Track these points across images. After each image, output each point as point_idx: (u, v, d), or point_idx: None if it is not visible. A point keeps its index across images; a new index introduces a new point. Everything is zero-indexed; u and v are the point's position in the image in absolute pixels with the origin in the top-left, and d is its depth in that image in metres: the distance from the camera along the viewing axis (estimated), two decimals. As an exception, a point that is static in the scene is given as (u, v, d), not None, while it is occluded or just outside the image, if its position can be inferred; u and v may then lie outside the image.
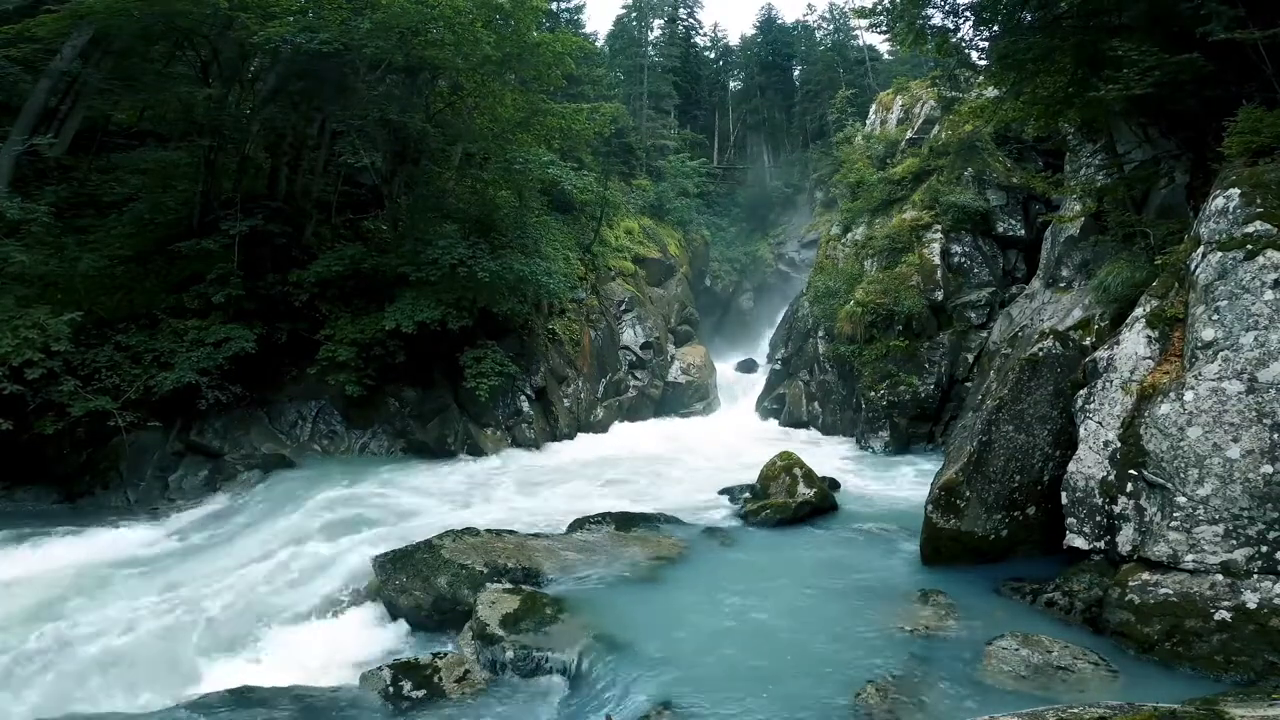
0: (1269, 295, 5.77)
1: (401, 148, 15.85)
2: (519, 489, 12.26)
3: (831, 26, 46.46)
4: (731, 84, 50.80)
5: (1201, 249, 6.45)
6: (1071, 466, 6.68)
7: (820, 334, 19.41)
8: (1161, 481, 5.93)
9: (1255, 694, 4.51)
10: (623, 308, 23.16)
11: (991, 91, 13.99)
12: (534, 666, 5.75)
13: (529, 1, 15.19)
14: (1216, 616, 5.31)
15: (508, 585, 6.93)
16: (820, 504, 9.97)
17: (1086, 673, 5.23)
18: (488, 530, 8.35)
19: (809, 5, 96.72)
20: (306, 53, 13.08)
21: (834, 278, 18.97)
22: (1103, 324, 9.38)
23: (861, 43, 43.44)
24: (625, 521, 9.20)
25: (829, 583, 7.23)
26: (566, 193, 18.64)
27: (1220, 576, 5.49)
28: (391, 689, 5.59)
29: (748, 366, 27.50)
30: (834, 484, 11.29)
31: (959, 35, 11.68)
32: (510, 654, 5.83)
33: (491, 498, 11.56)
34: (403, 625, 7.12)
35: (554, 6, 32.75)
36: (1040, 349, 7.91)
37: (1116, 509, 6.21)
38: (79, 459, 11.89)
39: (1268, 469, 5.46)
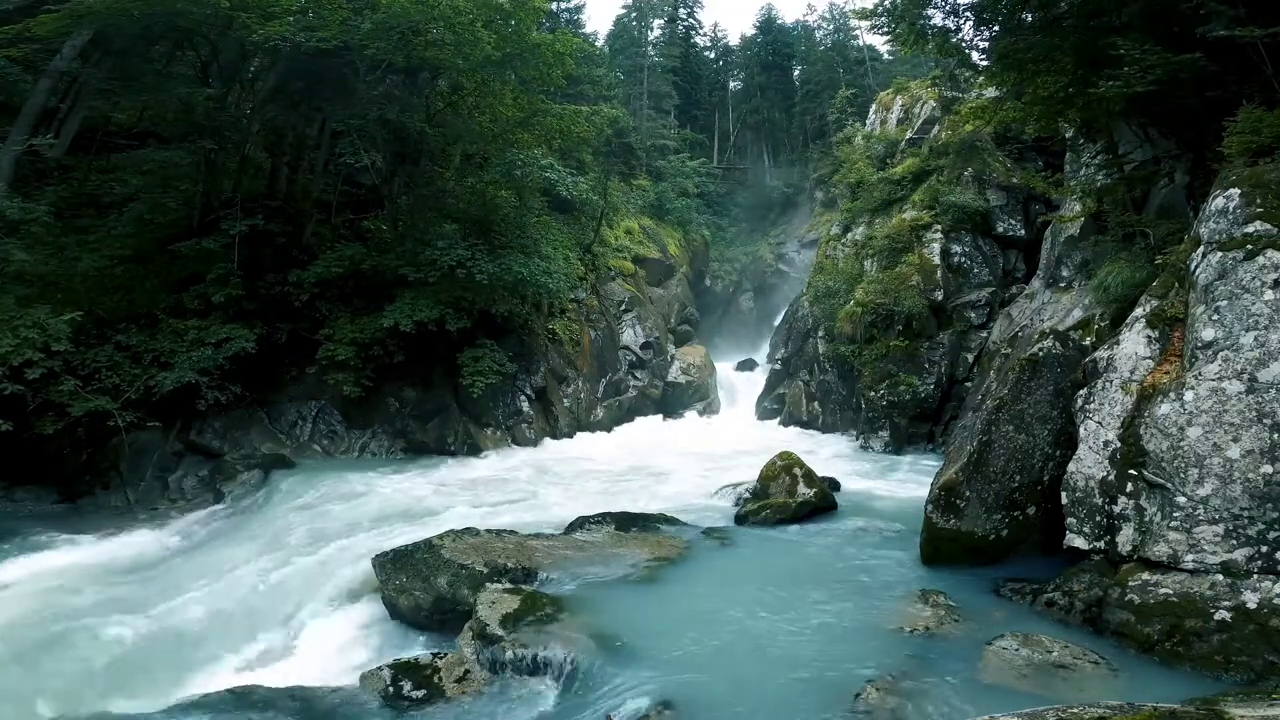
0: (1269, 295, 5.77)
1: (401, 148, 15.85)
2: (519, 488, 12.26)
3: (831, 26, 46.50)
4: (731, 84, 50.83)
5: (1201, 249, 6.45)
6: (1071, 466, 6.67)
7: (820, 334, 19.40)
8: (1161, 481, 5.93)
9: (1255, 694, 4.50)
10: (623, 308, 23.17)
11: (991, 91, 14.00)
12: (534, 666, 5.74)
13: (530, 2, 15.19)
14: (1216, 616, 5.30)
15: (508, 585, 6.93)
16: (820, 504, 9.95)
17: (1086, 672, 5.23)
18: (488, 530, 8.34)
19: (809, 5, 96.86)
20: (306, 52, 13.08)
21: (834, 278, 18.96)
22: (1103, 324, 9.39)
23: (861, 43, 43.45)
24: (625, 521, 9.20)
25: (829, 583, 7.22)
26: (565, 193, 18.67)
27: (1220, 576, 5.48)
28: (391, 689, 5.58)
29: (748, 366, 27.47)
30: (834, 484, 11.28)
31: (959, 35, 11.68)
32: (510, 654, 5.82)
33: (491, 497, 11.55)
34: (403, 625, 7.12)
35: (554, 6, 32.76)
36: (1040, 349, 7.90)
37: (1116, 509, 6.21)
38: (79, 459, 11.88)
39: (1268, 469, 5.46)
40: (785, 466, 10.47)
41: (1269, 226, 5.99)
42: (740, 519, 9.89)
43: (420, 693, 5.54)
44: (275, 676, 6.03)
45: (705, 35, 50.57)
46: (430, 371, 15.11)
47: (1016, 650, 5.47)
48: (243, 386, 13.05)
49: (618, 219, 25.93)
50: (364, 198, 17.47)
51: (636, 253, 25.95)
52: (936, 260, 16.81)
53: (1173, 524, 5.78)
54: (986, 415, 7.71)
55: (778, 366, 22.68)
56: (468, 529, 8.25)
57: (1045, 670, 5.23)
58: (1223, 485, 5.61)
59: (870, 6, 11.92)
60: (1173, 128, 9.77)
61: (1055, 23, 9.58)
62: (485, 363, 14.73)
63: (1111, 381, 6.70)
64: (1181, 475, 5.82)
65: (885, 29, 12.17)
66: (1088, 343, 8.29)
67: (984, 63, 12.20)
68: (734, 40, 53.16)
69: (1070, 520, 6.56)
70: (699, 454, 15.80)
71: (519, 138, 16.87)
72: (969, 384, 15.48)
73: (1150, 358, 6.57)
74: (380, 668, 5.83)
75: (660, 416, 21.97)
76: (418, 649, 6.57)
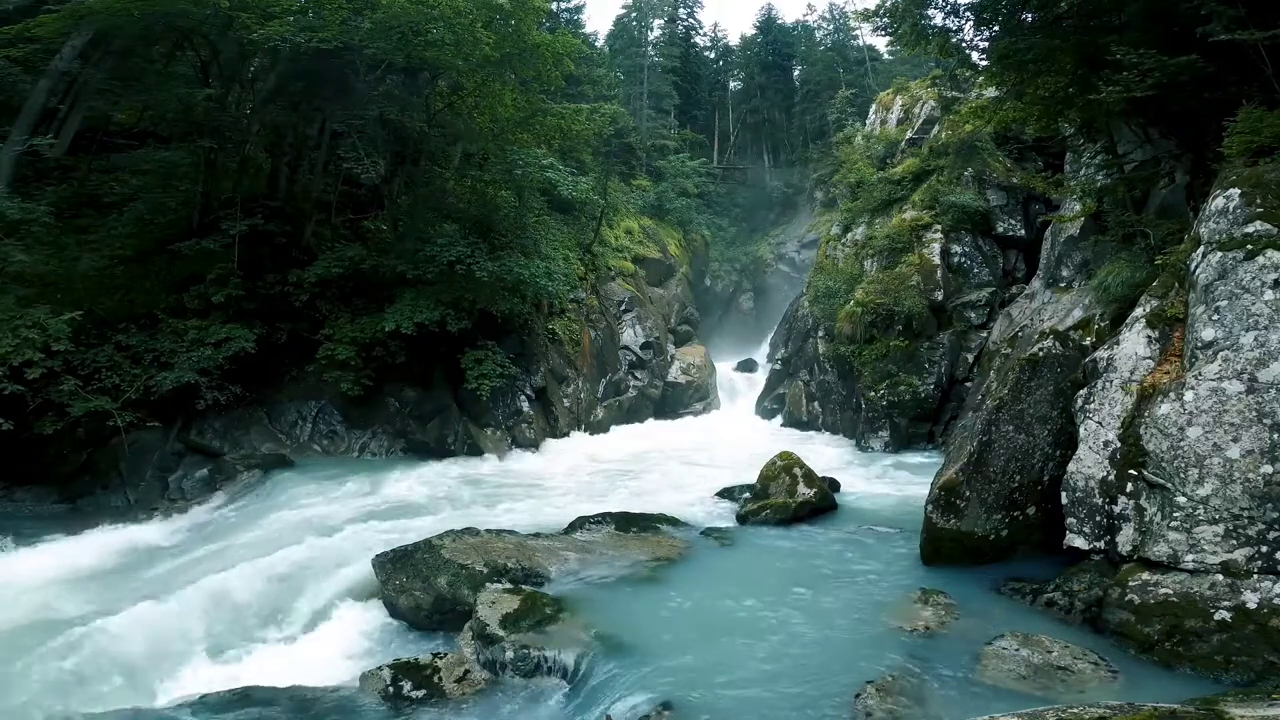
0: (1269, 295, 5.77)
1: (401, 148, 15.85)
2: (519, 489, 12.26)
3: (831, 26, 46.52)
4: (731, 84, 50.79)
5: (1201, 249, 6.45)
6: (1071, 466, 6.67)
7: (820, 334, 19.41)
8: (1161, 481, 5.93)
9: (1255, 694, 4.50)
10: (623, 308, 23.17)
11: (991, 91, 13.99)
12: (534, 666, 5.74)
13: (530, 2, 15.19)
14: (1216, 616, 5.31)
15: (508, 585, 6.93)
16: (820, 504, 9.96)
17: (1086, 673, 5.23)
18: (488, 530, 8.34)
19: (809, 5, 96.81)
20: (306, 53, 13.08)
21: (834, 278, 18.96)
22: (1103, 324, 9.38)
23: (861, 43, 43.49)
24: (625, 521, 9.19)
25: (829, 583, 7.22)
26: (566, 193, 18.69)
27: (1220, 576, 5.49)
28: (391, 689, 5.59)
29: (748, 366, 27.48)
30: (834, 484, 11.28)
31: (960, 36, 11.68)
32: (510, 654, 5.82)
33: (491, 497, 11.55)
34: (403, 625, 7.12)
35: (554, 6, 32.75)
36: (1040, 349, 7.91)
37: (1116, 509, 6.21)
38: (79, 459, 11.89)
39: (1268, 469, 5.46)
40: (785, 466, 10.47)
41: (1269, 226, 5.99)
42: (740, 519, 9.89)
43: (420, 693, 5.54)
44: (275, 676, 6.02)
45: (705, 35, 50.57)
46: (431, 371, 15.11)
47: (1016, 650, 5.47)
48: (243, 386, 13.05)
49: (618, 219, 25.93)
50: (364, 198, 17.47)
51: (636, 253, 25.96)
52: (936, 260, 16.81)
53: (1173, 524, 5.79)
54: (986, 415, 7.71)
55: (778, 366, 22.69)
56: (468, 529, 8.25)
57: (1045, 670, 5.23)
58: (1223, 485, 5.61)
59: (871, 7, 11.95)
60: (1173, 128, 9.77)
61: (1055, 23, 9.58)
62: (489, 365, 14.73)
63: (1111, 381, 6.70)
64: (1181, 475, 5.82)
65: (886, 29, 12.18)
66: (1088, 343, 8.29)
67: (984, 63, 12.19)
68: (734, 40, 53.21)
69: (1070, 520, 6.56)
70: (699, 454, 15.81)
71: (519, 138, 16.86)
72: (969, 384, 15.49)
73: (1150, 358, 6.58)
74: (380, 668, 5.83)
75: (660, 417, 21.97)
76: (418, 649, 6.57)
